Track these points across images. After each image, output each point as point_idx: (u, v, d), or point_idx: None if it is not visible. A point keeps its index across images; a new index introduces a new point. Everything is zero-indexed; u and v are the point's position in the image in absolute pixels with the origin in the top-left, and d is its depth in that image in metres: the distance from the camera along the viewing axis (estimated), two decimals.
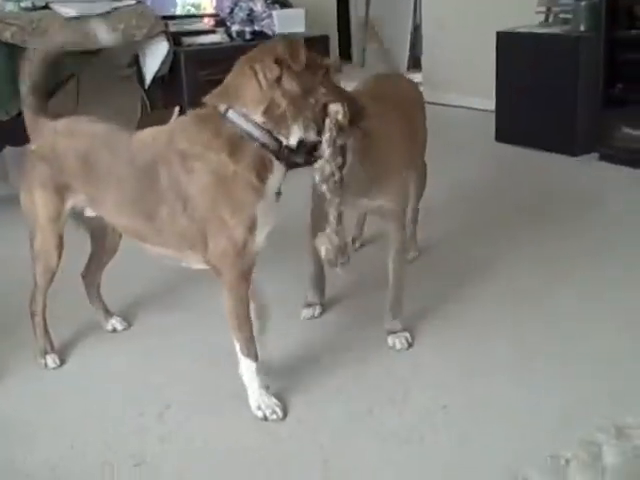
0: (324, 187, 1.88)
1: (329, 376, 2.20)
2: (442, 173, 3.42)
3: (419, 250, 2.95)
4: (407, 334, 2.35)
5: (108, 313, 2.54)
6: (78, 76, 3.75)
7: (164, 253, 2.07)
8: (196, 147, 1.86)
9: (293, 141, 1.86)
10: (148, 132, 2.02)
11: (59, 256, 2.22)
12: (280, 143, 1.86)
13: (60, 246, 2.22)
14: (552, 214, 3.38)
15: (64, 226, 2.21)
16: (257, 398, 2.02)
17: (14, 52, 3.30)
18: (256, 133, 1.84)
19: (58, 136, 2.14)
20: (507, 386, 2.10)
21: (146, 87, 3.78)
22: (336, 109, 1.84)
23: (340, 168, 1.87)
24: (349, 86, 2.23)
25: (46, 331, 2.33)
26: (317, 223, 2.42)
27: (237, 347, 2.00)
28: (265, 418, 2.00)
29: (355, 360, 2.27)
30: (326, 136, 1.84)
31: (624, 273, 2.76)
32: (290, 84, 1.82)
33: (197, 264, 2.02)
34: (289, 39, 1.87)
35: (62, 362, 2.34)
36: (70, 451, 1.92)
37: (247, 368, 2.01)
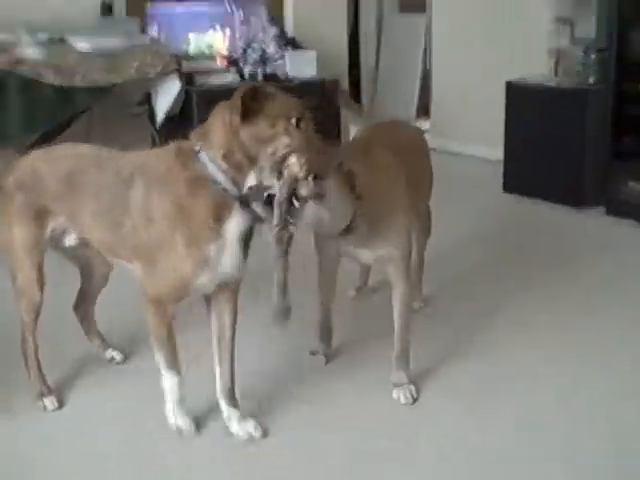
0: (270, 239, 1.82)
1: (328, 428, 2.17)
2: (448, 222, 3.43)
3: (424, 300, 2.92)
4: (412, 387, 2.29)
5: (105, 343, 2.54)
6: (90, 111, 3.78)
7: (125, 265, 2.09)
8: (164, 175, 1.91)
9: (250, 184, 1.86)
10: (136, 152, 2.10)
11: (41, 289, 2.21)
12: (241, 190, 1.87)
13: (41, 279, 2.20)
14: (557, 266, 3.36)
15: (43, 256, 2.20)
16: (172, 409, 2.07)
17: (29, 85, 3.33)
18: (219, 177, 1.86)
19: (37, 161, 2.18)
20: (510, 441, 2.07)
21: (157, 125, 3.80)
22: (293, 161, 1.79)
23: (286, 223, 1.79)
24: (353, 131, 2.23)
25: (40, 373, 2.28)
26: (324, 274, 2.45)
27: (160, 362, 2.04)
28: (178, 431, 2.07)
29: (358, 414, 2.23)
30: (277, 186, 1.79)
31: (622, 328, 2.74)
32: (246, 133, 1.82)
33: (137, 275, 2.05)
34: (248, 86, 1.83)
35: (61, 404, 2.28)
36: None
37: (168, 380, 2.05)
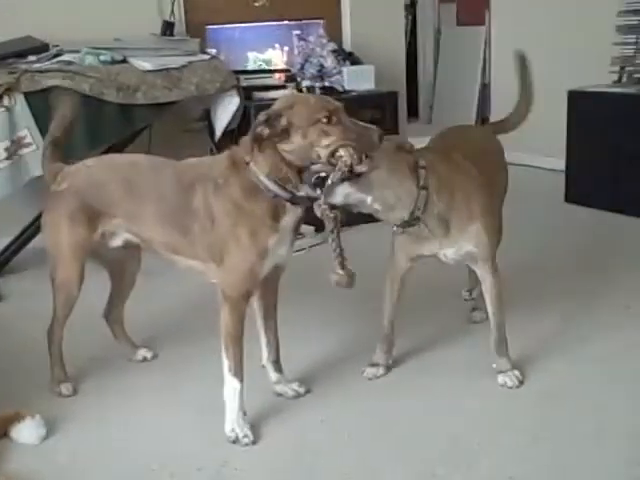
0: (320, 215, 1.99)
1: (390, 435, 2.14)
2: (510, 231, 3.35)
3: None
4: (517, 372, 2.38)
5: (135, 346, 2.69)
6: (151, 127, 3.85)
7: (192, 264, 2.23)
8: (223, 183, 2.07)
9: (303, 193, 2.02)
10: (191, 160, 2.27)
11: (80, 286, 2.36)
12: (293, 193, 2.02)
13: (82, 276, 2.35)
14: (623, 277, 3.27)
15: (87, 257, 2.35)
16: (234, 419, 2.12)
17: (92, 104, 3.41)
18: (270, 186, 2.02)
19: (93, 168, 2.36)
20: (575, 456, 2.00)
21: (216, 140, 3.84)
22: (342, 153, 1.92)
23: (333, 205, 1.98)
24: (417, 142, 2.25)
25: (61, 361, 2.45)
26: (391, 282, 2.44)
27: (225, 365, 2.12)
28: (236, 440, 2.11)
29: (418, 420, 2.21)
30: (332, 176, 1.94)
31: None
32: (285, 150, 1.97)
33: (214, 278, 2.18)
34: (260, 119, 1.96)
35: (75, 391, 2.43)
36: None
37: (232, 388, 2.12)
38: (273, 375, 2.38)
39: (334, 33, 4.78)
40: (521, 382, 2.37)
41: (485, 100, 6.45)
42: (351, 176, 1.96)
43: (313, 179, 1.97)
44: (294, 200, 2.03)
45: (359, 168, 1.96)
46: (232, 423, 2.12)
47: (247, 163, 2.02)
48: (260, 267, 2.08)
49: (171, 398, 2.42)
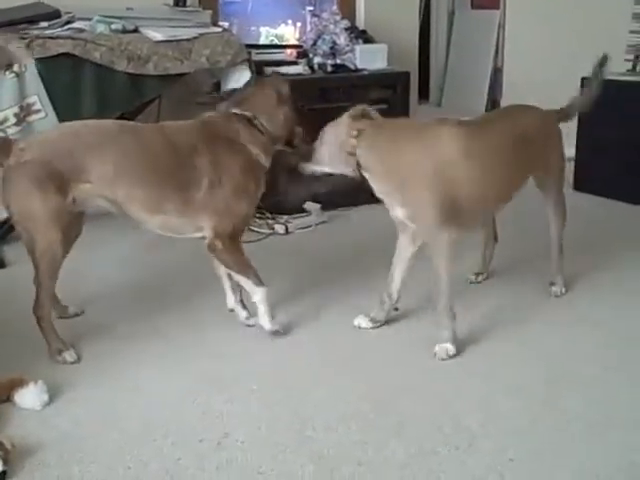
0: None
1: (389, 414, 2.15)
2: (515, 219, 3.36)
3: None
4: (450, 346, 2.46)
5: (63, 305, 2.78)
6: (160, 98, 3.83)
7: (173, 222, 2.48)
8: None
9: None
10: (178, 123, 2.58)
11: (64, 252, 2.42)
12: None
13: (64, 241, 2.40)
14: (633, 264, 3.26)
15: (67, 221, 2.38)
16: (268, 317, 2.58)
17: (102, 72, 3.39)
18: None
19: (60, 137, 2.44)
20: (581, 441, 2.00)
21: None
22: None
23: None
24: None
25: (55, 331, 2.47)
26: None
27: (250, 283, 2.54)
28: (276, 332, 2.60)
29: (417, 399, 2.22)
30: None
31: None
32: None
33: (197, 232, 2.53)
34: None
35: (79, 358, 2.46)
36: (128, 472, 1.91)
37: (261, 294, 2.55)
38: (242, 313, 2.73)
39: (348, 10, 4.74)
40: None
41: (496, 84, 6.41)
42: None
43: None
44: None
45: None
46: (269, 322, 2.58)
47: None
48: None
49: (173, 368, 2.43)
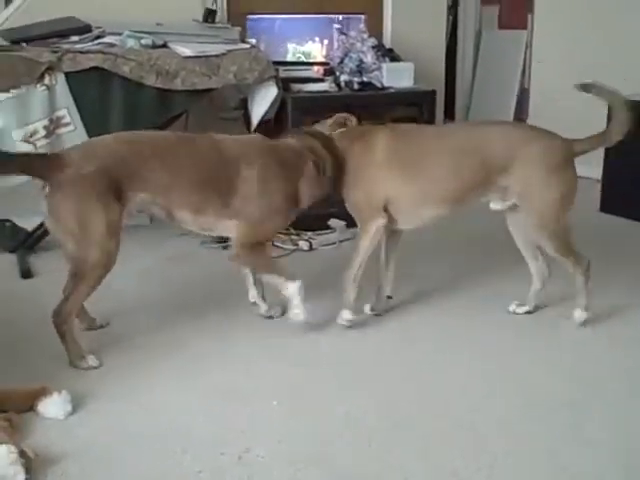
0: None
1: (409, 430, 2.13)
2: None
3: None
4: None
5: (92, 318, 2.79)
6: (187, 114, 3.86)
7: (210, 222, 2.63)
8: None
9: None
10: (230, 137, 2.73)
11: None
12: None
13: (118, 249, 2.46)
14: None
15: (121, 230, 2.46)
16: (302, 309, 2.65)
17: (130, 87, 3.43)
18: None
19: (118, 147, 2.48)
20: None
21: (252, 130, 3.84)
22: None
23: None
24: None
25: (76, 339, 2.48)
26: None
27: (281, 279, 2.64)
28: (309, 325, 2.68)
29: (438, 417, 2.20)
30: None
31: None
32: None
33: (228, 233, 2.70)
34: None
35: (101, 363, 2.49)
36: None
37: (294, 287, 2.63)
38: (263, 306, 2.89)
39: (375, 29, 4.76)
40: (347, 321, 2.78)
41: (523, 105, 6.39)
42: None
43: None
44: None
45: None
46: (303, 313, 2.65)
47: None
48: None
49: (194, 381, 2.43)
